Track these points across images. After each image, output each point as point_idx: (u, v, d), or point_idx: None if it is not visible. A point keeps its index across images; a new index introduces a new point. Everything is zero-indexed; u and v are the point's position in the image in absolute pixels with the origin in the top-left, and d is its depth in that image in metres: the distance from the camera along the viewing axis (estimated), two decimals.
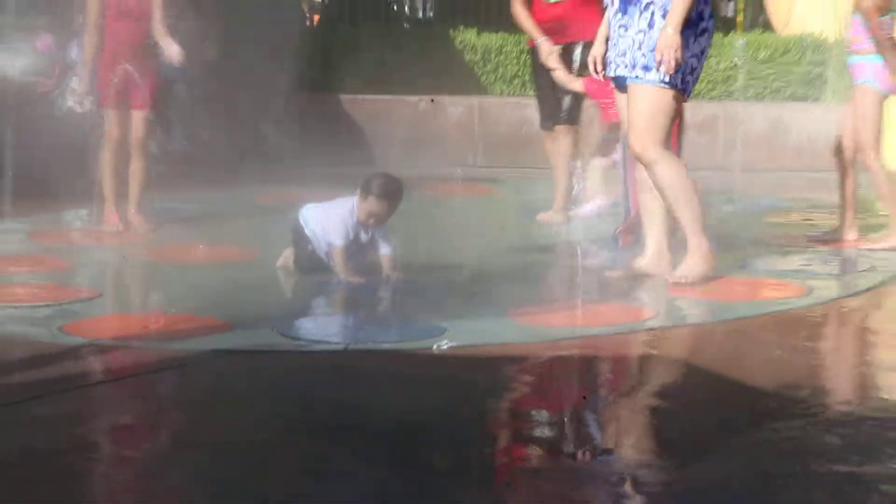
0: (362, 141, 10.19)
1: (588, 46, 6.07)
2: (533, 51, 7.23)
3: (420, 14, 17.92)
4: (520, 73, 10.93)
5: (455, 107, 10.48)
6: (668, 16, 5.19)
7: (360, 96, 10.52)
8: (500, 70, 11.04)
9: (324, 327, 4.92)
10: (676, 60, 5.15)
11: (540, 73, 7.18)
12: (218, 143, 8.45)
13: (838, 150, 6.48)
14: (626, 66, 5.33)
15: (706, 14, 5.33)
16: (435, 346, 4.39)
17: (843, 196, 6.49)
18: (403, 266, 5.59)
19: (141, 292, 5.64)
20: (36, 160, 6.72)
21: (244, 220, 7.23)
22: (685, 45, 5.20)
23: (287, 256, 5.72)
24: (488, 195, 8.76)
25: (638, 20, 5.28)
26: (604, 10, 5.56)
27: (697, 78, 5.38)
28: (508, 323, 4.84)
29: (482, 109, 10.50)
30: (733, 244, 6.52)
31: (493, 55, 11.06)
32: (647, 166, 5.34)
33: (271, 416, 3.68)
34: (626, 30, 5.33)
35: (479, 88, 10.96)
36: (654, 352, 4.54)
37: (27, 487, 3.10)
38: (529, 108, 10.40)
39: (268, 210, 7.42)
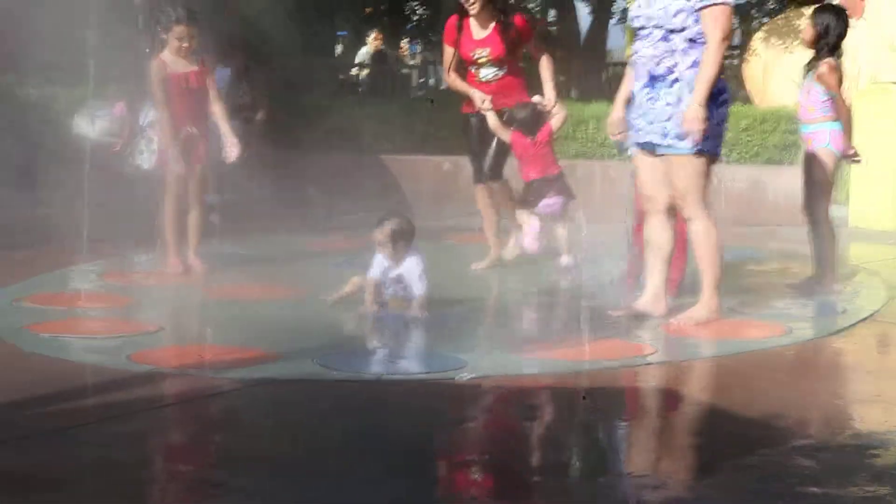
0: (393, 195, 10.16)
1: (519, 107, 6.71)
2: (465, 116, 7.09)
3: (444, 87, 18.00)
4: None
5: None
6: (695, 92, 5.16)
7: (390, 156, 10.52)
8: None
9: (359, 360, 4.86)
10: (703, 131, 5.13)
11: (468, 132, 7.08)
12: (273, 197, 8.47)
13: (807, 207, 6.45)
14: (657, 135, 5.31)
15: (725, 88, 5.35)
16: (457, 377, 4.34)
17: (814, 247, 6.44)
18: (430, 305, 5.54)
19: (198, 327, 5.59)
20: (109, 210, 6.71)
21: (293, 264, 7.20)
22: (710, 115, 5.17)
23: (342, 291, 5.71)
24: (505, 243, 8.68)
25: (665, 94, 5.26)
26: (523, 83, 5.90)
27: (722, 141, 5.37)
28: (521, 357, 4.78)
29: None
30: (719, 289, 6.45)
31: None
32: (688, 220, 5.38)
33: (309, 438, 3.62)
34: (655, 102, 5.29)
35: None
36: (651, 384, 4.49)
37: (100, 499, 3.05)
38: None
39: (315, 255, 7.40)
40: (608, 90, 16.35)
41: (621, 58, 20.89)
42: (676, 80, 5.24)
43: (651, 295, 5.48)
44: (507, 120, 6.91)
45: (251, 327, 5.33)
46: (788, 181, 9.92)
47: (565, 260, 6.88)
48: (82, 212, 6.47)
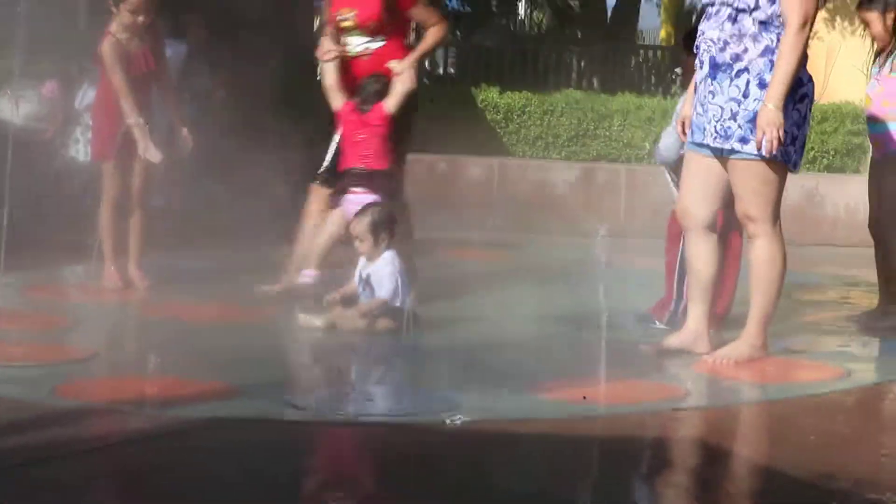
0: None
1: (374, 78, 6.41)
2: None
3: (441, 70, 18.05)
4: (543, 135, 10.94)
5: (474, 167, 10.48)
6: (769, 90, 5.07)
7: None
8: (523, 131, 11.05)
9: (331, 397, 4.86)
10: (778, 139, 5.04)
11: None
12: (235, 197, 8.45)
13: (876, 224, 6.43)
14: (715, 135, 5.24)
15: (805, 78, 5.23)
16: (448, 421, 4.33)
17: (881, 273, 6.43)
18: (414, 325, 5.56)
19: (140, 353, 5.58)
20: (33, 210, 6.70)
21: (255, 279, 7.19)
22: (785, 115, 5.08)
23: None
24: (506, 261, 8.71)
25: (728, 88, 5.20)
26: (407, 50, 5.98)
27: (803, 146, 5.29)
28: (528, 397, 4.78)
29: (502, 171, 10.49)
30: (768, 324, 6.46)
31: (515, 115, 11.08)
32: (750, 237, 5.33)
33: (268, 491, 3.62)
34: (714, 96, 5.23)
35: (500, 149, 10.96)
36: (680, 434, 4.47)
37: None
38: (552, 170, 10.45)
39: (280, 270, 7.38)
40: (637, 79, 16.50)
41: (654, 41, 20.99)
42: (744, 70, 5.18)
43: (691, 329, 5.48)
44: (359, 95, 6.51)
45: (202, 355, 5.33)
46: (852, 193, 10.00)
47: (306, 276, 6.46)
48: (1, 212, 6.46)
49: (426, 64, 17.01)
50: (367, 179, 6.41)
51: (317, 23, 17.58)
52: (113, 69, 6.48)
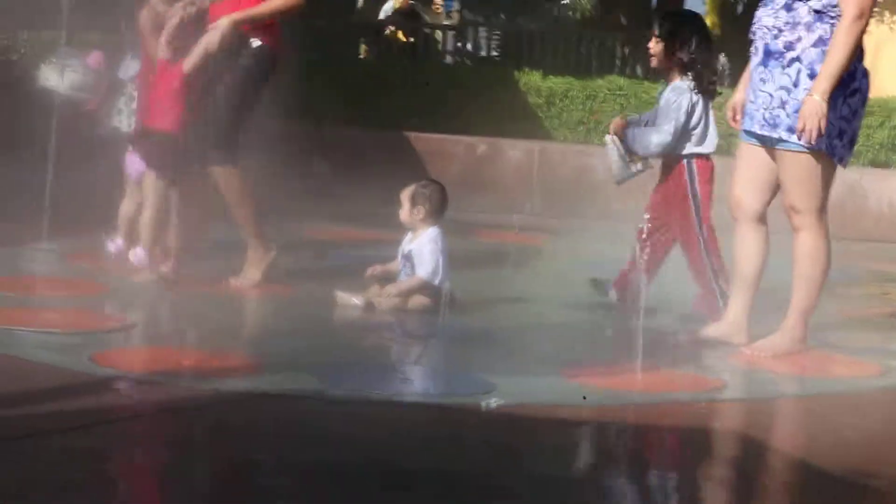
0: (416, 180, 10.13)
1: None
2: None
3: (484, 52, 18.00)
4: (585, 119, 10.89)
5: (514, 150, 10.45)
6: (816, 79, 4.99)
7: (417, 134, 10.50)
8: (565, 115, 11.01)
9: (365, 375, 4.86)
10: (819, 130, 4.96)
11: None
12: (270, 176, 8.46)
13: None
14: (766, 124, 5.18)
15: (859, 73, 5.15)
16: (483, 403, 4.32)
17: None
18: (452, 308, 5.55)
19: (175, 325, 5.61)
20: (78, 180, 6.72)
21: (292, 254, 7.20)
22: (832, 107, 5.00)
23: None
24: (545, 245, 8.69)
25: (779, 76, 5.14)
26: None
27: (853, 142, 5.22)
28: (562, 382, 4.76)
29: (543, 155, 10.45)
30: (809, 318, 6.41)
31: (557, 99, 11.03)
32: (794, 229, 5.26)
33: (293, 466, 3.62)
34: (765, 83, 5.17)
35: (541, 133, 10.91)
36: (715, 425, 4.45)
37: None
38: (593, 156, 10.38)
39: (316, 245, 7.40)
40: None
41: None
42: (796, 59, 5.11)
43: (730, 320, 5.43)
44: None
45: (238, 329, 5.36)
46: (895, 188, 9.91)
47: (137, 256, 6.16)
48: (47, 180, 6.50)
49: (467, 45, 16.99)
50: (141, 137, 6.12)
51: (360, 2, 17.55)
52: (149, 38, 6.48)
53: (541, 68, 11.71)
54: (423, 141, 10.47)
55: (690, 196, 5.95)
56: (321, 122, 10.34)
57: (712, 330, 5.46)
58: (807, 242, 5.25)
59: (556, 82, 11.08)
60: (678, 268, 6.89)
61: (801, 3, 5.11)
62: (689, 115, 5.93)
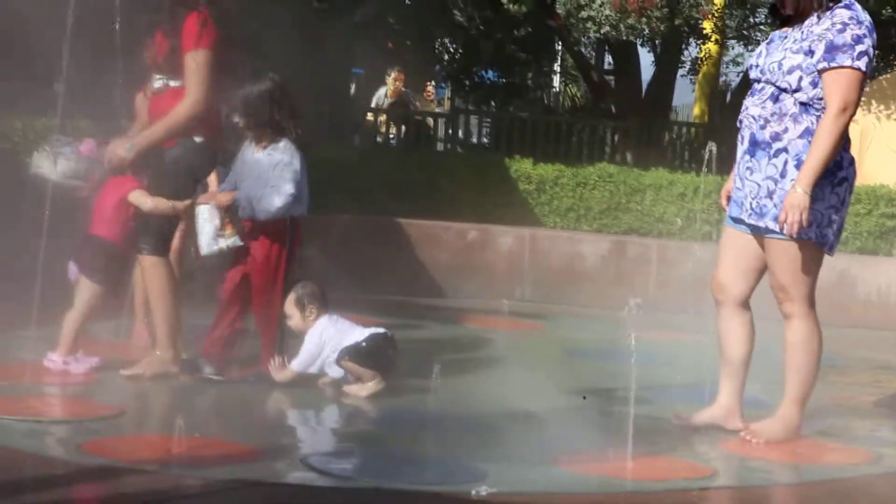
0: (407, 267, 10.17)
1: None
2: None
3: (475, 139, 18.13)
4: (575, 207, 10.95)
5: (505, 237, 10.48)
6: (800, 172, 5.02)
7: (406, 220, 10.54)
8: (555, 202, 11.06)
9: (356, 463, 4.84)
10: (801, 223, 4.97)
11: None
12: None
13: None
14: (751, 212, 5.22)
15: (846, 161, 5.19)
16: (474, 492, 4.30)
17: None
18: (442, 402, 5.53)
19: (166, 412, 5.59)
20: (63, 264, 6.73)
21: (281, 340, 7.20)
22: (820, 196, 5.06)
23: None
24: (535, 332, 8.69)
25: (766, 166, 5.17)
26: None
27: (840, 229, 5.23)
28: (554, 470, 4.75)
29: (534, 241, 10.49)
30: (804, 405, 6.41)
31: (548, 186, 11.10)
32: (785, 317, 5.26)
33: None
34: (752, 173, 5.22)
35: (531, 219, 10.96)
36: None
37: None
38: (583, 243, 10.44)
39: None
40: (670, 154, 16.51)
41: (688, 117, 21.05)
42: (783, 150, 5.15)
43: (723, 405, 5.43)
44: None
45: (228, 415, 5.34)
46: (884, 275, 9.94)
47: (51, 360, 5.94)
48: (36, 267, 6.49)
49: (458, 132, 17.12)
50: (81, 244, 6.07)
51: (353, 89, 17.71)
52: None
53: (531, 155, 11.79)
54: (415, 227, 10.51)
55: (287, 256, 6.02)
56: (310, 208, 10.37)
57: (705, 415, 5.45)
58: (799, 331, 5.26)
59: (547, 169, 11.15)
60: (668, 352, 6.91)
61: (787, 94, 5.15)
62: (302, 172, 5.98)
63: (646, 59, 19.86)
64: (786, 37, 5.23)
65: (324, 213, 10.10)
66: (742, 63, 20.98)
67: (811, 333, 5.27)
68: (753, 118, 5.24)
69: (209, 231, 5.97)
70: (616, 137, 16.69)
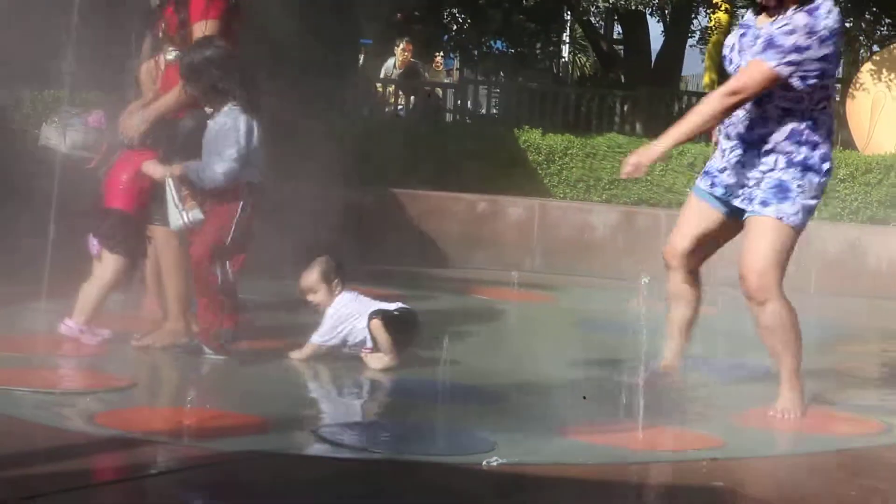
0: (417, 238, 10.19)
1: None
2: None
3: (483, 110, 18.09)
4: (584, 177, 10.95)
5: (515, 208, 10.49)
6: (668, 131, 5.23)
7: (416, 191, 10.54)
8: (565, 173, 11.06)
9: (367, 433, 4.87)
10: (636, 169, 5.23)
11: None
12: (268, 234, 8.48)
13: None
14: (742, 199, 5.35)
15: (829, 153, 5.30)
16: (484, 462, 4.33)
17: None
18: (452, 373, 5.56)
19: (178, 385, 5.62)
20: (77, 238, 6.75)
21: (289, 312, 7.22)
22: (808, 188, 5.22)
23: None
24: (545, 303, 8.71)
25: (757, 162, 5.28)
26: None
27: (808, 216, 5.35)
28: (565, 441, 4.77)
29: (543, 212, 10.50)
30: (804, 372, 6.42)
31: (557, 157, 11.09)
32: (758, 304, 5.28)
33: None
34: (743, 167, 5.32)
35: (541, 190, 10.96)
36: (716, 484, 4.44)
37: None
38: (593, 213, 10.44)
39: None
40: None
41: (698, 87, 20.98)
42: (771, 150, 5.25)
43: (667, 365, 5.67)
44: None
45: (239, 387, 5.36)
46: (894, 244, 9.94)
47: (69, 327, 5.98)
48: (47, 238, 6.52)
49: (467, 103, 17.10)
50: (98, 217, 6.06)
51: (361, 59, 17.70)
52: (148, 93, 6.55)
53: (540, 126, 11.77)
54: (423, 199, 10.51)
55: (236, 222, 5.76)
56: (321, 182, 10.37)
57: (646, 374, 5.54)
58: (775, 314, 5.28)
59: (556, 140, 11.14)
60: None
61: (767, 100, 5.23)
62: (249, 137, 5.75)
63: (655, 29, 19.81)
64: (758, 35, 5.25)
65: (332, 186, 10.14)
66: None
67: (788, 312, 5.30)
68: (739, 118, 5.32)
69: (172, 206, 5.86)
70: (625, 107, 16.64)
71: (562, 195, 10.98)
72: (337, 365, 5.84)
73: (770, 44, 5.13)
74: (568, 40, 24.14)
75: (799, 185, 5.21)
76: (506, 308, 8.09)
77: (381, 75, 15.70)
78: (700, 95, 18.55)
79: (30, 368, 5.44)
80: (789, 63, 5.10)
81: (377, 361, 5.82)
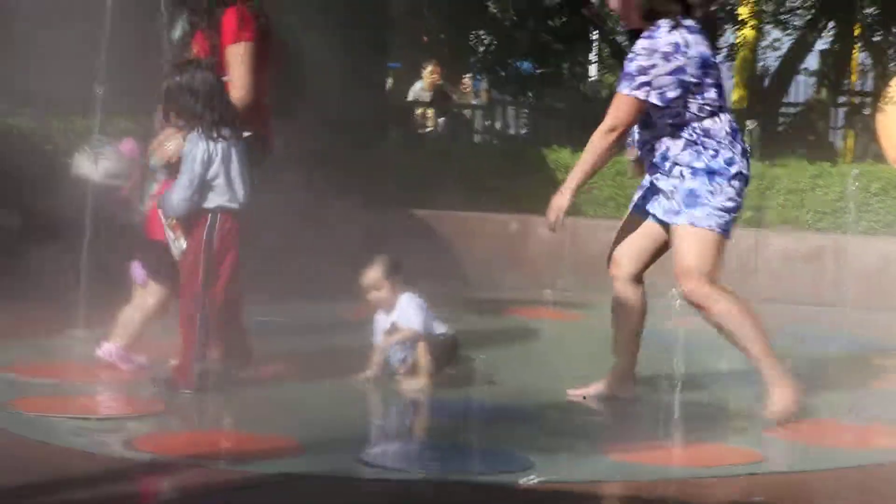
0: (448, 259, 10.18)
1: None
2: None
3: (512, 131, 18.10)
4: (614, 196, 10.91)
5: (545, 228, 10.45)
6: (569, 176, 5.59)
7: (446, 212, 10.54)
8: (594, 191, 11.02)
9: (403, 454, 4.87)
10: (557, 222, 5.63)
11: None
12: (300, 257, 8.52)
13: None
14: (664, 211, 5.57)
15: (737, 156, 5.47)
16: (522, 481, 4.31)
17: None
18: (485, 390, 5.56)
19: (212, 408, 5.62)
20: (112, 265, 6.79)
21: (324, 335, 7.24)
22: (719, 191, 5.41)
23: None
24: (578, 321, 8.68)
25: (668, 179, 5.50)
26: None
27: (737, 214, 5.56)
28: (602, 459, 4.75)
29: (573, 231, 10.46)
30: (840, 386, 6.38)
31: None
32: (697, 307, 5.47)
33: None
34: (659, 180, 5.54)
35: (571, 209, 10.91)
36: (756, 499, 4.41)
37: None
38: None
39: (348, 326, 7.41)
40: None
41: (727, 103, 20.92)
42: (674, 164, 5.47)
43: (617, 375, 5.81)
44: None
45: (275, 411, 5.36)
46: None
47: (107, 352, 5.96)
48: (81, 266, 6.55)
49: (495, 124, 17.11)
50: (142, 248, 6.02)
51: (389, 83, 17.77)
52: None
53: (569, 145, 11.75)
54: (453, 220, 10.50)
55: (203, 250, 5.60)
56: (342, 203, 10.39)
57: (601, 386, 5.77)
58: (724, 312, 5.44)
59: None
60: (712, 339, 6.87)
61: (652, 122, 5.47)
62: (207, 165, 5.58)
63: None
64: None
65: (363, 208, 10.16)
66: (779, 48, 20.80)
67: (734, 306, 5.44)
68: (641, 143, 5.59)
69: (168, 234, 5.81)
70: None
71: (592, 213, 10.94)
72: (372, 386, 5.83)
73: (622, 75, 5.47)
74: (595, 60, 24.13)
75: (709, 191, 5.41)
76: (539, 327, 8.06)
77: (409, 98, 15.75)
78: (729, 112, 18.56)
79: (66, 395, 5.46)
80: (641, 85, 5.37)
81: (413, 383, 5.81)
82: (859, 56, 19.21)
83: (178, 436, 4.98)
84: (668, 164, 5.47)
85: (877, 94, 13.59)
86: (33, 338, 6.66)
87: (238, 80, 5.82)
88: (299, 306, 7.88)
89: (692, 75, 5.38)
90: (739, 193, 5.49)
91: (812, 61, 18.69)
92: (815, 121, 17.30)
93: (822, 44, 18.22)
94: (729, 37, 19.10)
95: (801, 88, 19.62)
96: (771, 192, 10.10)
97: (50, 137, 9.24)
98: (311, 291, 8.18)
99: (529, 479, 4.32)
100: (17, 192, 8.41)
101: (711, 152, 5.41)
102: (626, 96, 5.42)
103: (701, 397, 5.75)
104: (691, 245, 5.44)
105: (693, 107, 5.41)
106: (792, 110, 19.05)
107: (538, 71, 19.09)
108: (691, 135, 5.43)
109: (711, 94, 5.43)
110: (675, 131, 5.45)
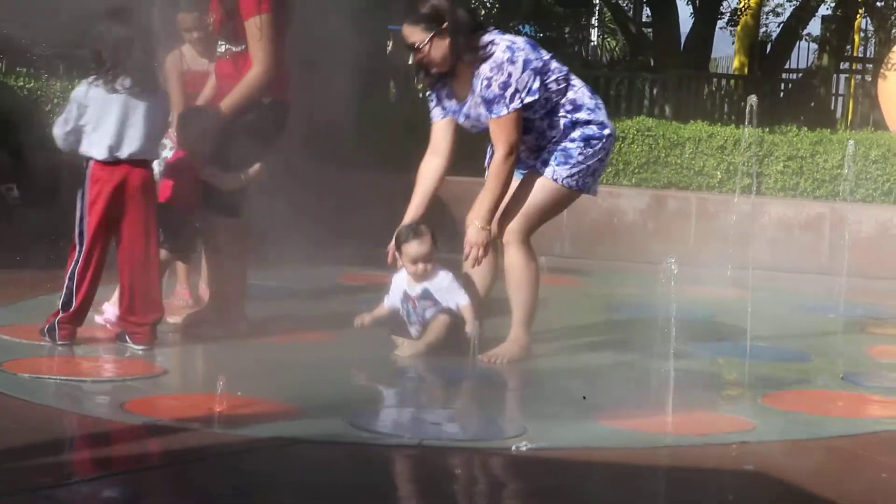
0: (448, 223, 10.14)
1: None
2: None
3: None
4: (614, 161, 10.89)
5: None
6: (477, 210, 5.76)
7: (446, 177, 10.48)
8: None
9: (397, 419, 4.87)
10: (480, 258, 5.68)
11: None
12: (301, 221, 8.48)
13: None
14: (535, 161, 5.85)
15: (606, 123, 5.85)
16: (514, 447, 4.32)
17: None
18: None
19: (208, 371, 5.63)
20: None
21: (323, 300, 7.24)
22: (590, 155, 5.80)
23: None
24: (575, 287, 8.68)
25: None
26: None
27: (596, 174, 5.92)
28: (594, 425, 4.75)
29: None
30: (835, 355, 6.39)
31: None
32: (504, 245, 5.79)
33: None
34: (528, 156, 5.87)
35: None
36: (747, 467, 4.42)
37: None
38: (621, 197, 10.39)
39: (348, 291, 7.42)
40: (710, 107, 16.38)
41: (728, 69, 20.87)
42: (558, 141, 5.80)
43: (511, 339, 5.84)
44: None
45: (269, 374, 5.36)
46: None
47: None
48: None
49: None
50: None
51: (389, 46, 17.69)
52: (170, 82, 6.55)
53: None
54: (450, 184, 10.43)
55: (78, 199, 5.60)
56: (341, 167, 10.36)
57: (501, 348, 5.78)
58: (515, 256, 5.77)
59: None
60: (708, 307, 6.88)
61: (532, 125, 5.75)
62: (82, 111, 5.54)
63: (684, 11, 19.67)
64: (466, 104, 5.86)
65: (360, 169, 10.14)
66: (782, 14, 20.71)
67: (528, 259, 5.78)
68: (530, 151, 5.87)
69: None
70: (655, 90, 16.56)
71: None
72: (366, 351, 5.83)
73: (489, 102, 5.67)
74: (597, 24, 24.04)
75: (581, 153, 5.77)
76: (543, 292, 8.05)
77: (410, 61, 15.65)
78: (731, 78, 18.52)
79: (60, 357, 5.47)
80: (512, 97, 5.63)
81: (408, 348, 5.81)
82: (862, 22, 19.14)
83: (171, 399, 4.98)
84: (552, 144, 5.78)
85: (878, 62, 13.52)
86: (28, 299, 6.66)
87: (259, 53, 5.83)
88: (300, 271, 7.88)
89: (535, 59, 5.69)
90: (608, 152, 5.89)
91: (815, 27, 18.63)
92: (817, 87, 17.27)
93: (824, 9, 18.15)
94: (731, 2, 19.05)
95: (804, 55, 19.57)
96: (770, 158, 10.08)
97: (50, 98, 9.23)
98: (301, 255, 8.17)
99: (521, 446, 4.32)
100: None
101: (583, 123, 5.79)
102: (506, 116, 5.65)
103: (694, 365, 5.75)
104: (538, 195, 5.77)
105: (552, 85, 5.73)
106: (794, 77, 19.01)
107: (540, 35, 19.03)
108: (565, 115, 5.77)
109: (554, 64, 5.77)
110: (551, 120, 5.77)
